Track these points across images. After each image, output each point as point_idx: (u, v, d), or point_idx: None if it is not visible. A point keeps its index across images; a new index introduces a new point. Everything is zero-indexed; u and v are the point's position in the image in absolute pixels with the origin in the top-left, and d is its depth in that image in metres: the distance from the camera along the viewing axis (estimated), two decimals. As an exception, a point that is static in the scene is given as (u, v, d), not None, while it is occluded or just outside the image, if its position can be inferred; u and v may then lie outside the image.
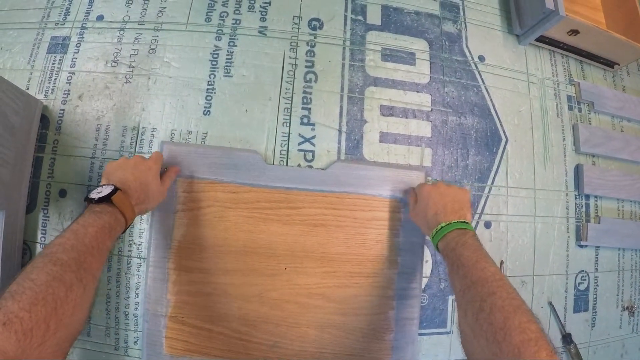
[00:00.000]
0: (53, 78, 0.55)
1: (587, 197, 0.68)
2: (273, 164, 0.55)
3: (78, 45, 0.56)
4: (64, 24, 0.57)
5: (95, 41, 0.56)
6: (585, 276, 0.67)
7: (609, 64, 0.72)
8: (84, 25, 0.57)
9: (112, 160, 0.48)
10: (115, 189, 0.41)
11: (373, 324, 0.55)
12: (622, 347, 0.70)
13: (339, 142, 0.57)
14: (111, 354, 0.55)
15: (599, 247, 0.68)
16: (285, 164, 0.56)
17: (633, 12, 0.71)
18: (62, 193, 0.54)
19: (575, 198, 0.67)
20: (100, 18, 0.57)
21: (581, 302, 0.67)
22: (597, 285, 0.68)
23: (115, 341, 0.55)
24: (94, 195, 0.40)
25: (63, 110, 0.54)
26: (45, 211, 0.54)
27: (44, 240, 0.54)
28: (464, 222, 0.46)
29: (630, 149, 0.71)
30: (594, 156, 0.69)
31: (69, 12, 0.58)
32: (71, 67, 0.55)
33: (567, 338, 0.64)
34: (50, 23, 0.57)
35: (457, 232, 0.44)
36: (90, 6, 0.58)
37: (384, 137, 0.59)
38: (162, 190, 0.48)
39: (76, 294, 0.32)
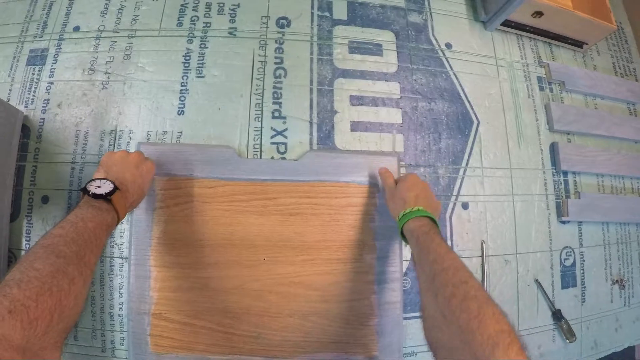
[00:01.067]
0: (33, 89, 0.59)
1: (565, 173, 0.70)
2: (247, 157, 0.58)
3: (56, 56, 0.60)
4: (42, 36, 0.61)
5: (73, 51, 0.60)
6: (570, 252, 0.69)
7: (578, 44, 0.75)
8: (61, 36, 0.61)
9: (111, 151, 0.49)
10: (115, 188, 0.42)
11: (356, 310, 0.57)
12: (616, 321, 0.71)
13: (311, 133, 0.60)
14: (98, 356, 0.57)
15: (581, 222, 0.70)
16: (259, 157, 0.58)
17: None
18: (45, 199, 0.57)
19: (553, 175, 0.69)
20: (76, 29, 0.61)
21: (568, 277, 0.68)
22: (584, 261, 0.69)
23: (102, 343, 0.57)
24: (93, 189, 0.41)
25: (43, 119, 0.58)
26: (29, 218, 0.57)
27: (28, 247, 0.57)
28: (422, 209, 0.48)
29: (606, 125, 0.74)
30: (569, 134, 0.72)
31: (47, 24, 0.62)
32: (50, 77, 0.59)
33: (557, 314, 0.65)
34: (29, 36, 0.61)
35: (429, 220, 0.46)
36: (67, 18, 0.62)
37: (355, 126, 0.62)
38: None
39: (77, 286, 0.33)
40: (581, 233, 0.70)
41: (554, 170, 0.69)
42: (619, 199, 0.73)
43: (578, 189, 0.70)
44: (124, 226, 0.57)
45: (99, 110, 0.58)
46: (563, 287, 0.68)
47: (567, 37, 0.73)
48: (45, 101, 0.59)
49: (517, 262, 0.65)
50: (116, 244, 0.57)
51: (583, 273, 0.69)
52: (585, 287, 0.69)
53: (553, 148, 0.70)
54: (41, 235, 0.36)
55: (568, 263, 0.68)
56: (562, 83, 0.72)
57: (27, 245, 0.57)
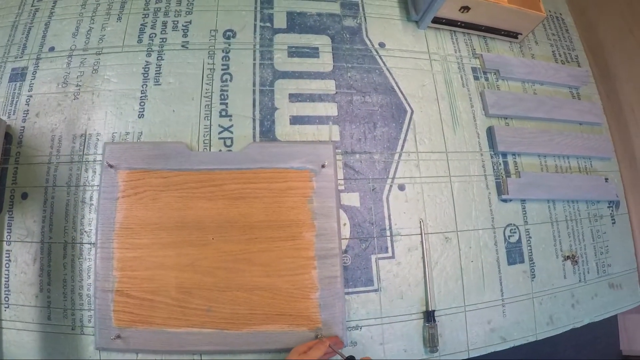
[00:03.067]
0: (14, 102, 0.72)
1: (505, 155, 0.78)
2: (198, 151, 0.69)
3: (34, 73, 0.74)
4: (22, 56, 0.75)
5: (48, 68, 0.74)
6: (515, 229, 0.75)
7: (512, 35, 0.84)
8: (38, 56, 0.75)
9: None
10: None
11: (298, 284, 0.65)
12: (572, 297, 0.76)
13: (254, 128, 0.71)
14: (69, 334, 0.65)
15: (524, 200, 0.76)
16: (208, 151, 0.69)
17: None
18: (24, 195, 0.69)
19: (492, 157, 0.77)
20: (52, 49, 0.75)
21: (515, 254, 0.74)
22: (530, 237, 0.75)
23: (72, 322, 0.65)
24: None
25: (23, 127, 0.71)
26: (11, 213, 0.69)
27: (10, 238, 0.68)
28: None
29: (546, 108, 0.81)
30: (506, 118, 0.80)
31: (26, 46, 0.76)
32: (29, 91, 0.73)
33: (430, 315, 0.68)
34: (10, 57, 0.75)
35: None
36: (43, 40, 0.76)
37: (294, 120, 0.72)
38: None
39: None
40: (525, 211, 0.76)
41: (492, 152, 0.77)
42: (564, 177, 0.79)
43: (519, 169, 0.77)
44: (92, 215, 0.68)
45: (71, 117, 0.71)
46: (510, 264, 0.73)
47: (500, 28, 0.82)
48: (25, 112, 0.72)
49: (459, 239, 0.72)
50: (85, 231, 0.68)
51: (530, 249, 0.75)
52: (534, 263, 0.75)
53: (490, 131, 0.77)
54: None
55: (513, 240, 0.74)
56: (497, 72, 0.81)
57: (9, 237, 0.68)
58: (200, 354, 0.64)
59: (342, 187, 0.70)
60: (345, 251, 0.68)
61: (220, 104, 0.72)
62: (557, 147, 0.79)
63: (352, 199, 0.70)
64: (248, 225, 0.66)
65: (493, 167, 0.76)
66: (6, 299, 0.67)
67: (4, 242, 0.68)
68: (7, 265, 0.68)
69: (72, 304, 0.66)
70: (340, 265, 0.66)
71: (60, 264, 0.67)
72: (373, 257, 0.69)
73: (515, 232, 0.75)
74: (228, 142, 0.70)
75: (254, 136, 0.70)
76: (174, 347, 0.63)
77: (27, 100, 0.73)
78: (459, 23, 0.81)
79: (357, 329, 0.67)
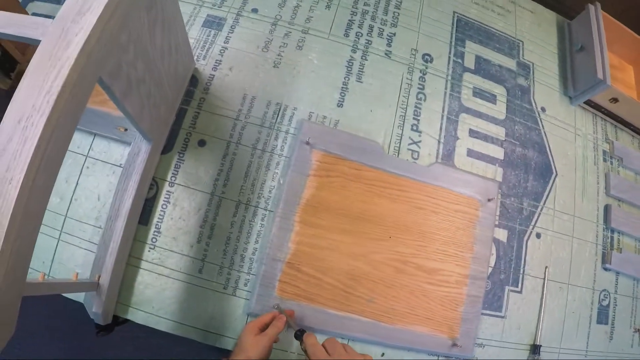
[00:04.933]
0: (207, 48, 0.79)
1: (613, 231, 0.94)
2: (389, 154, 0.79)
3: (233, 27, 0.81)
4: (221, 6, 0.83)
5: (249, 28, 0.81)
6: (607, 294, 0.91)
7: (638, 131, 1.02)
8: (239, 12, 0.82)
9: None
10: None
11: (450, 296, 0.76)
12: (632, 364, 0.93)
13: (438, 149, 0.82)
14: (218, 292, 0.69)
15: (619, 272, 0.93)
16: (397, 157, 0.79)
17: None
18: (202, 142, 0.74)
19: (604, 230, 0.93)
20: (255, 10, 0.83)
21: (603, 315, 0.90)
22: (616, 305, 0.92)
23: (226, 280, 0.69)
24: None
25: (213, 75, 0.77)
26: (182, 155, 0.73)
27: (174, 180, 0.72)
28: None
29: (649, 201, 0.99)
30: (620, 200, 0.97)
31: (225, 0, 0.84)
32: (225, 43, 0.80)
33: (536, 348, 0.83)
34: (207, 3, 0.82)
35: None
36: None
37: (470, 153, 0.84)
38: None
39: None
40: (617, 282, 0.93)
41: (604, 226, 0.93)
42: (648, 262, 0.97)
43: (620, 245, 0.94)
44: (273, 183, 0.75)
45: (268, 83, 0.78)
46: (598, 322, 0.89)
47: (631, 123, 1.00)
48: (218, 61, 0.78)
49: (568, 291, 0.87)
50: (263, 196, 0.74)
51: (614, 315, 0.91)
52: (614, 327, 0.91)
53: (606, 208, 0.94)
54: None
55: (604, 303, 0.91)
56: (620, 159, 0.98)
57: (173, 179, 0.72)
58: (349, 339, 0.73)
59: (496, 222, 0.83)
60: (488, 277, 0.81)
61: (413, 118, 0.82)
62: (650, 236, 0.97)
63: (501, 234, 0.83)
64: (422, 233, 0.77)
65: (603, 239, 0.93)
66: (153, 239, 0.70)
67: (167, 182, 0.72)
68: (164, 207, 0.72)
69: (231, 263, 0.70)
70: (484, 288, 0.79)
71: (228, 222, 0.72)
72: (506, 288, 0.82)
73: (607, 297, 0.91)
74: (415, 154, 0.81)
75: (436, 156, 0.82)
76: (330, 328, 0.71)
77: (222, 51, 0.79)
78: (602, 110, 0.97)
79: (481, 347, 0.79)
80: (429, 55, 0.88)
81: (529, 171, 0.88)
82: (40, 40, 0.36)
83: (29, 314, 0.46)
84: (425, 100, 0.84)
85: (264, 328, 0.60)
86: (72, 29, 0.36)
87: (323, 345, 0.56)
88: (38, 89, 0.34)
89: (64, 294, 0.65)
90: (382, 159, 0.78)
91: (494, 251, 0.82)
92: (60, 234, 0.70)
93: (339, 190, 0.75)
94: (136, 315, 0.68)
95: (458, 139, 0.84)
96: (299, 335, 0.61)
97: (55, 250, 0.69)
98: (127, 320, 0.69)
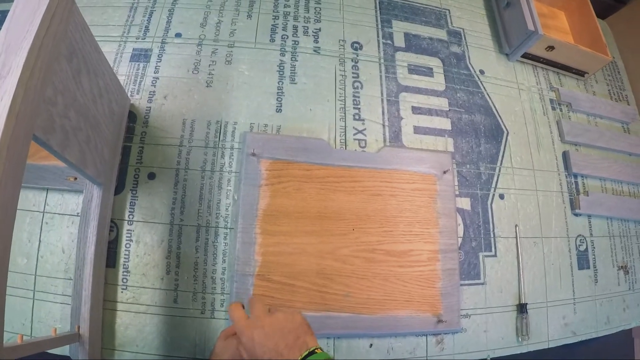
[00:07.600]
0: (138, 82, 0.82)
1: (576, 176, 1.00)
2: (336, 149, 0.83)
3: (160, 55, 0.84)
4: (145, 38, 0.86)
5: (176, 53, 0.85)
6: (583, 239, 0.96)
7: (580, 73, 1.09)
8: (164, 40, 0.86)
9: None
10: None
11: (424, 274, 0.81)
12: (623, 302, 0.98)
13: (384, 133, 0.87)
14: (197, 317, 0.72)
15: (590, 215, 0.99)
16: (344, 150, 0.84)
17: (595, 32, 1.08)
18: (151, 175, 0.77)
19: (566, 177, 0.99)
20: (178, 35, 0.87)
21: (583, 261, 0.95)
22: (594, 247, 0.97)
23: (202, 305, 0.72)
24: None
25: (149, 107, 0.80)
26: (134, 192, 0.76)
27: (132, 218, 0.74)
28: (311, 351, 0.48)
29: (605, 139, 1.06)
30: (576, 144, 1.03)
31: (149, 29, 0.86)
32: (155, 73, 0.83)
33: (523, 307, 0.87)
34: (131, 37, 0.85)
35: None
36: (168, 25, 0.87)
37: (417, 130, 0.89)
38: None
39: None
40: (591, 225, 0.98)
41: (566, 173, 0.99)
42: (619, 198, 1.03)
43: (586, 188, 1.00)
44: (228, 201, 0.78)
45: (204, 103, 0.82)
46: (580, 269, 0.95)
47: (572, 67, 1.06)
48: (152, 92, 0.82)
49: (543, 244, 0.92)
50: (221, 216, 0.78)
51: (594, 258, 0.97)
52: (597, 269, 0.96)
53: (565, 155, 1.00)
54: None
55: (582, 248, 0.96)
56: (569, 104, 1.04)
57: (131, 217, 0.75)
58: (334, 338, 0.76)
59: (457, 192, 0.88)
60: (459, 248, 0.85)
61: (354, 108, 0.87)
62: (613, 173, 1.03)
63: (464, 203, 0.88)
64: (384, 219, 0.81)
65: (567, 185, 0.98)
66: (124, 279, 0.73)
67: (125, 222, 0.75)
68: (128, 246, 0.75)
69: (204, 287, 0.73)
70: (458, 259, 0.83)
71: (192, 247, 0.75)
72: (480, 255, 0.86)
73: (583, 242, 0.97)
74: (362, 143, 0.85)
75: (384, 140, 0.86)
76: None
77: (153, 82, 0.83)
78: (541, 59, 1.03)
79: (467, 317, 0.83)
80: (357, 42, 0.93)
81: (480, 135, 0.93)
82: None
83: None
84: (362, 88, 0.89)
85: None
86: (-5, 94, 0.39)
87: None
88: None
89: (48, 351, 0.67)
90: (330, 154, 0.82)
91: (460, 221, 0.87)
92: (33, 293, 0.72)
93: (294, 194, 0.79)
94: (123, 357, 0.71)
95: (402, 118, 0.89)
96: None
97: (32, 310, 0.71)
98: (116, 364, 0.72)
